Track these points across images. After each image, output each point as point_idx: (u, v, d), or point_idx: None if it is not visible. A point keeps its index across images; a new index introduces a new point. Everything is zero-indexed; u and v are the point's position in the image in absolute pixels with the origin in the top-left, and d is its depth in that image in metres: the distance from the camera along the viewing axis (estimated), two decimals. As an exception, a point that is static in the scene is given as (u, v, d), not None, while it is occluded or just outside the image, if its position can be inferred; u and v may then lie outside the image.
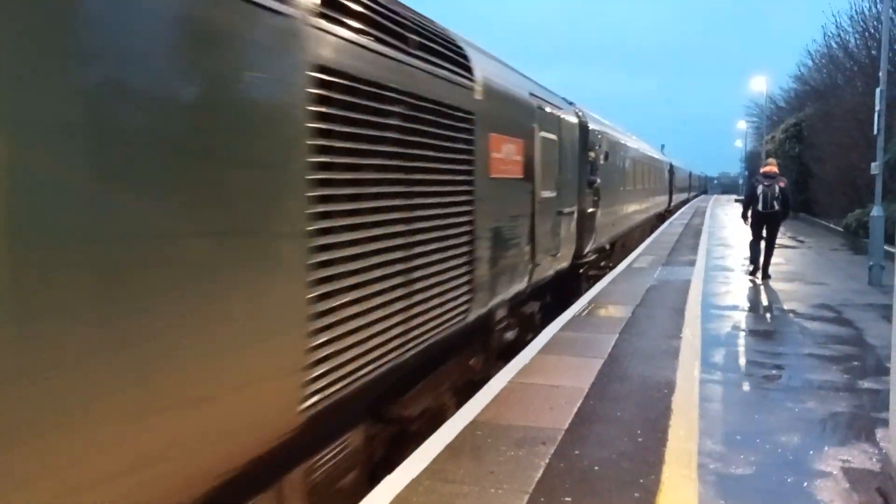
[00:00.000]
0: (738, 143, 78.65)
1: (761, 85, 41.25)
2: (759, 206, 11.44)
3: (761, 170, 12.32)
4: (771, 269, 11.87)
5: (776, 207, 11.34)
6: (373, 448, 4.30)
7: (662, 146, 37.97)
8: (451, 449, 4.28)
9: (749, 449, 4.35)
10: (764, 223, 11.62)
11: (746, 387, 5.74)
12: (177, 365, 2.27)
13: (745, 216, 12.18)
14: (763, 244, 11.73)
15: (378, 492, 3.70)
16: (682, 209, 39.54)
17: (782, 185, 11.42)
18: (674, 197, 35.11)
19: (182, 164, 2.29)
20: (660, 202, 26.67)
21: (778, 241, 12.35)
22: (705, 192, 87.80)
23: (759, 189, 11.44)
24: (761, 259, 11.73)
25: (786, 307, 9.27)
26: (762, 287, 11.10)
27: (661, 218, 28.49)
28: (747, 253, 12.51)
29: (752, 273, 11.90)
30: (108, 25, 2.01)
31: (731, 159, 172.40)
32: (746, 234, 12.66)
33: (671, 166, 32.50)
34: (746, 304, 9.54)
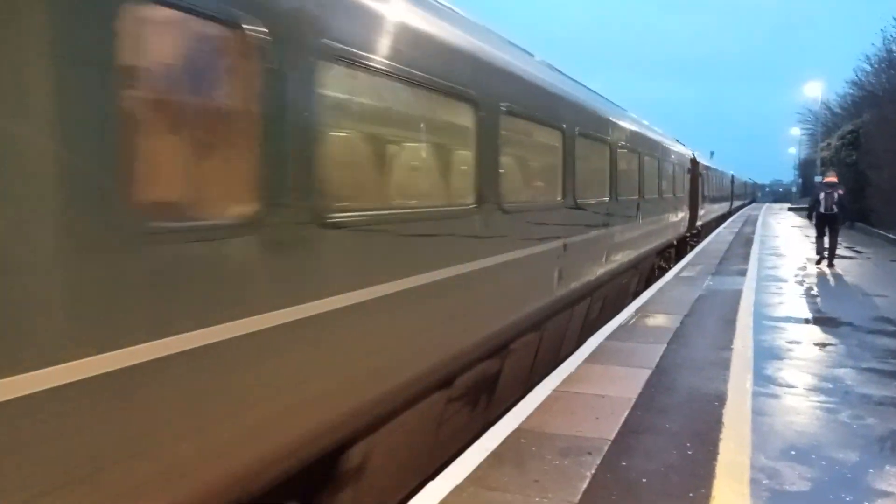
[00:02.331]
0: (792, 150, 76.84)
1: (816, 91, 40.25)
2: (822, 209, 14.04)
3: (824, 179, 15.20)
4: (830, 278, 13.14)
5: (835, 210, 13.91)
6: None
7: (712, 153, 36.03)
8: (495, 456, 4.25)
9: (804, 465, 4.21)
10: (826, 223, 14.22)
11: (801, 401, 5.55)
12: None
13: (809, 216, 15.16)
14: (827, 240, 14.37)
15: (421, 498, 3.70)
16: (725, 224, 31.95)
17: (841, 192, 14.00)
18: (704, 209, 22.99)
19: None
20: (669, 225, 15.26)
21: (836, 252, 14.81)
22: (754, 201, 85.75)
23: (822, 195, 14.11)
24: (826, 252, 14.38)
25: (843, 319, 8.95)
26: (818, 297, 10.76)
27: (678, 250, 18.00)
28: (800, 263, 15.36)
29: (819, 262, 14.46)
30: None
31: (785, 167, 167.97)
32: (801, 244, 14.59)
33: (694, 162, 20.62)
34: (801, 316, 9.24)
